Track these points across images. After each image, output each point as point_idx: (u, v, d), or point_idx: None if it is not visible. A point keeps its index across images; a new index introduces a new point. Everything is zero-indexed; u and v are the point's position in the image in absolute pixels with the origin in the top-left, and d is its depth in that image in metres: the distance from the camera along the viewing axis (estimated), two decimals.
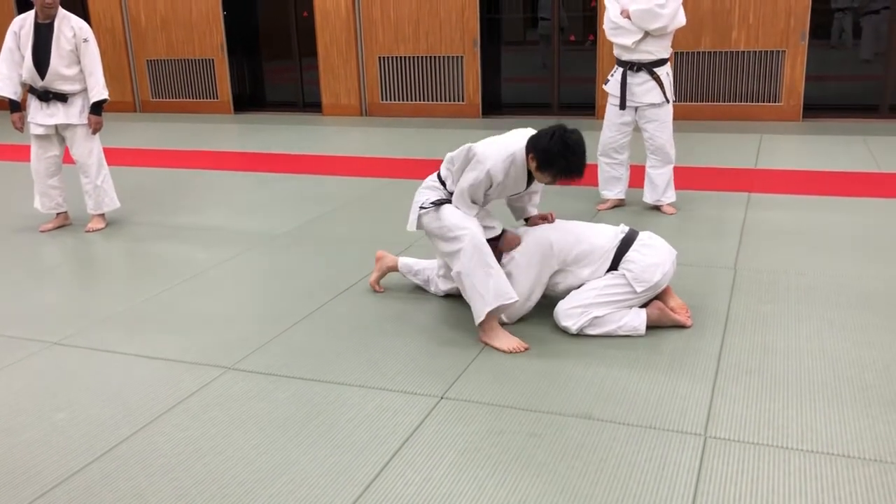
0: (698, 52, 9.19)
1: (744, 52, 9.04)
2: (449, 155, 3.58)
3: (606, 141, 5.47)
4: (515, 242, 3.59)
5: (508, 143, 3.43)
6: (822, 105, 9.14)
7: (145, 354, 3.44)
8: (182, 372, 3.26)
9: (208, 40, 11.29)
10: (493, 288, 3.34)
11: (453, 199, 3.51)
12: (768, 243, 4.68)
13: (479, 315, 3.37)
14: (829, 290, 3.90)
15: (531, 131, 3.45)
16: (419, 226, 3.60)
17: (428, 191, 3.62)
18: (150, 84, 11.81)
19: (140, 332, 3.71)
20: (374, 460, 2.57)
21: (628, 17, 5.13)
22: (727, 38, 9.04)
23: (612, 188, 5.55)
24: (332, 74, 10.72)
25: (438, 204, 3.52)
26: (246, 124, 10.52)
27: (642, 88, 5.26)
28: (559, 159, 3.27)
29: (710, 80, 9.25)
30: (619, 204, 5.61)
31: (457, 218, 3.45)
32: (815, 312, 3.64)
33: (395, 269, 4.04)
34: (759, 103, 9.14)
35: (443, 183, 3.60)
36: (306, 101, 11.41)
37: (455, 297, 3.90)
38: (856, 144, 7.55)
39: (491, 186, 3.43)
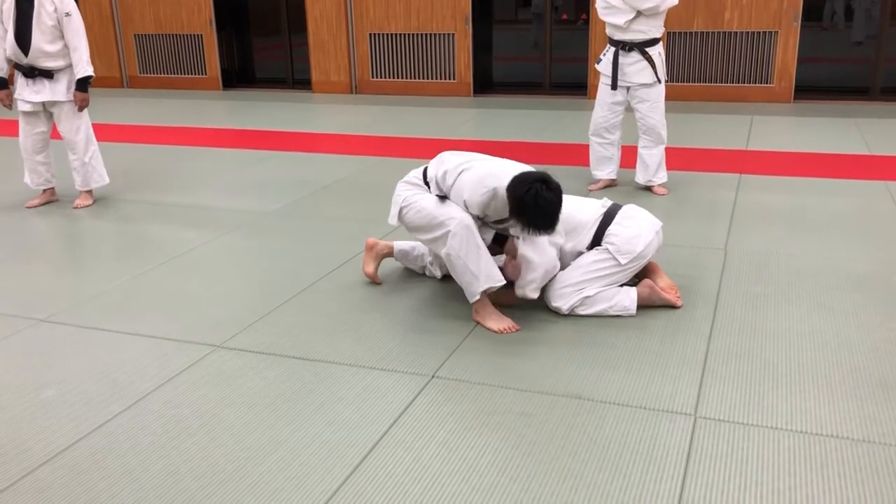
0: (691, 33, 9.16)
1: (736, 32, 9.01)
2: (446, 163, 3.44)
3: (598, 121, 5.45)
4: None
5: (494, 176, 3.25)
6: (813, 87, 9.14)
7: (134, 332, 3.42)
8: (171, 350, 3.24)
9: (197, 15, 11.16)
10: (485, 269, 3.33)
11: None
12: (759, 225, 4.69)
13: (474, 294, 3.36)
14: (820, 272, 3.91)
15: (522, 168, 3.30)
16: (400, 219, 3.55)
17: (410, 186, 3.55)
18: (137, 59, 11.68)
19: (128, 309, 3.68)
20: (364, 439, 2.57)
21: None
22: (720, 19, 9.01)
23: (604, 168, 5.54)
24: (321, 51, 10.63)
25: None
26: (234, 101, 10.42)
27: (634, 68, 5.24)
28: (526, 212, 3.11)
29: (703, 61, 9.22)
30: (611, 184, 5.60)
31: (443, 207, 3.39)
32: (806, 294, 3.65)
33: (389, 255, 3.96)
34: (751, 84, 9.13)
35: (426, 182, 3.51)
36: (296, 78, 11.32)
37: (447, 279, 3.88)
38: (847, 126, 7.55)
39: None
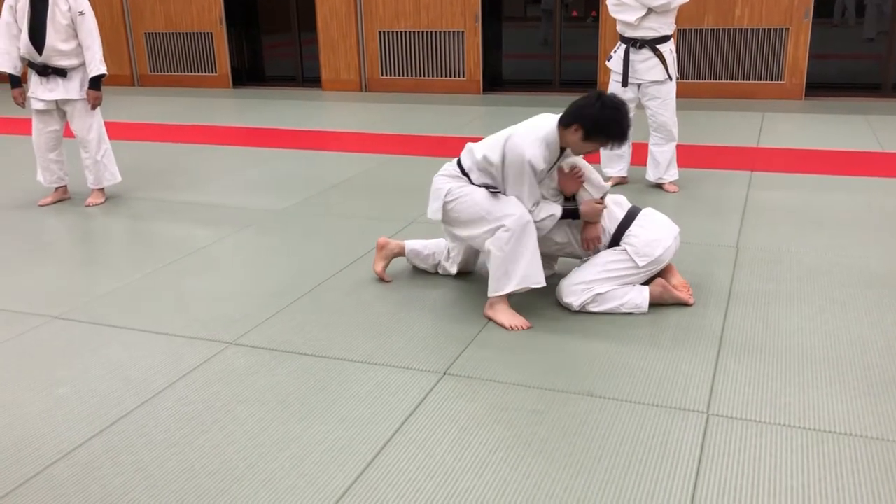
0: (701, 30, 9.12)
1: (747, 29, 8.97)
2: (479, 149, 3.45)
3: None
4: (595, 213, 3.53)
5: (536, 128, 3.35)
6: (824, 83, 9.09)
7: (147, 329, 3.43)
8: (183, 347, 3.25)
9: (207, 13, 11.19)
10: (523, 270, 3.32)
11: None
12: (770, 222, 4.67)
13: (497, 291, 3.36)
14: (832, 269, 3.89)
15: (549, 115, 3.41)
16: (444, 212, 3.51)
17: (450, 179, 3.52)
18: (148, 58, 11.72)
19: (141, 307, 3.70)
20: (376, 436, 2.57)
21: None
22: (730, 16, 8.97)
23: (615, 165, 5.53)
24: (331, 49, 10.64)
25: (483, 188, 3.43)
26: (244, 99, 10.45)
27: (645, 65, 5.23)
28: (613, 125, 3.27)
29: (714, 58, 9.19)
30: (622, 181, 5.59)
31: (499, 203, 3.37)
32: (818, 291, 3.64)
33: (400, 254, 3.94)
34: (762, 81, 9.09)
35: (465, 174, 3.49)
36: (305, 76, 11.33)
37: (460, 276, 3.88)
38: (858, 123, 7.51)
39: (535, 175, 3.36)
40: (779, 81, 9.04)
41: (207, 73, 11.47)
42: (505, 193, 3.40)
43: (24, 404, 2.85)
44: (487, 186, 3.42)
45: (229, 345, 3.26)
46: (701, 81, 9.25)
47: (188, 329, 3.42)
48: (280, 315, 3.54)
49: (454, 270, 3.87)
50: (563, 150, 3.42)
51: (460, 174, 3.51)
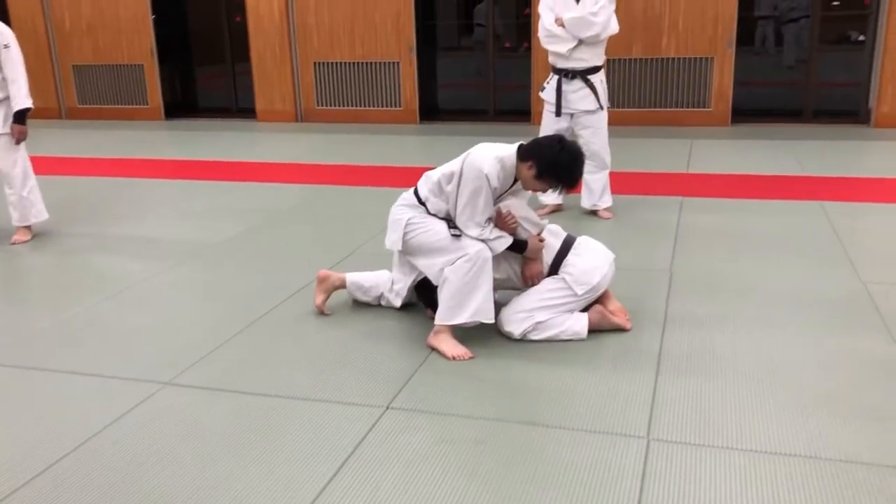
0: (630, 59, 9.38)
1: (674, 58, 9.25)
2: (436, 172, 3.50)
3: None
4: (537, 250, 3.56)
5: (496, 148, 3.42)
6: (749, 110, 9.42)
7: (79, 371, 3.33)
8: (118, 388, 3.16)
9: (137, 45, 11.03)
10: (477, 304, 3.35)
11: (459, 225, 3.43)
12: (702, 246, 4.80)
13: (447, 320, 3.37)
14: (762, 291, 4.01)
15: (509, 144, 3.46)
16: (404, 244, 3.53)
17: (408, 208, 3.55)
18: (76, 90, 11.47)
19: (72, 347, 3.58)
20: (320, 473, 2.54)
21: (562, 26, 5.21)
22: (657, 45, 9.25)
23: (550, 193, 5.58)
24: (266, 80, 10.58)
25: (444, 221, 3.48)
26: (178, 131, 10.30)
27: (577, 95, 5.34)
28: (566, 171, 3.36)
29: (642, 87, 9.44)
30: (557, 209, 5.67)
31: (463, 238, 3.41)
32: (750, 312, 3.74)
33: (342, 287, 3.91)
34: (690, 109, 9.37)
35: (422, 202, 3.53)
36: (240, 107, 11.23)
37: (402, 307, 3.86)
38: (782, 149, 7.80)
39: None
40: (706, 109, 9.33)
41: (139, 106, 11.27)
42: (457, 212, 3.41)
43: None
44: (444, 219, 3.46)
45: (166, 385, 3.18)
46: (631, 109, 9.48)
47: (122, 369, 3.32)
48: (218, 352, 3.47)
49: (398, 303, 3.85)
50: (516, 180, 3.46)
51: (417, 203, 3.54)
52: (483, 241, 3.41)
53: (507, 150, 3.41)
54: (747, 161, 7.37)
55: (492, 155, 3.37)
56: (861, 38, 9.28)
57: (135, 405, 3.01)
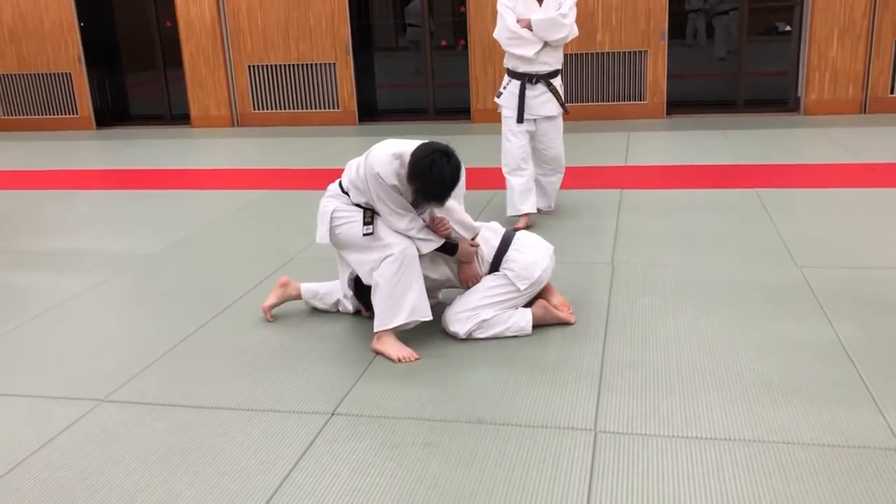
0: (566, 55, 9.42)
1: (609, 53, 9.35)
2: (354, 164, 3.43)
3: (515, 153, 5.11)
4: (469, 254, 3.51)
5: (396, 145, 3.31)
6: (683, 101, 9.58)
7: (7, 392, 3.19)
8: (49, 408, 3.04)
9: (64, 52, 10.70)
10: (411, 304, 3.30)
11: (384, 217, 3.34)
12: (642, 237, 4.84)
13: (385, 325, 3.31)
14: (702, 280, 4.06)
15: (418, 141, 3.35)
16: (331, 235, 3.43)
17: (334, 199, 3.46)
18: (0, 101, 11.08)
19: (0, 368, 3.43)
20: (263, 486, 2.47)
21: (528, 27, 4.91)
22: (592, 41, 9.34)
23: (528, 200, 5.16)
24: (199, 85, 10.37)
25: (368, 213, 3.35)
26: (110, 140, 10.03)
27: (538, 101, 5.08)
28: (421, 178, 3.17)
29: (579, 82, 9.52)
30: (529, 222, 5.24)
31: (387, 231, 3.33)
32: (690, 302, 3.79)
33: (297, 297, 3.83)
34: (626, 102, 9.49)
35: (345, 193, 3.45)
36: (174, 114, 10.99)
37: (349, 313, 3.81)
38: (716, 139, 7.94)
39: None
40: (641, 102, 9.46)
41: (68, 115, 10.94)
42: (376, 207, 3.34)
43: None
44: (365, 208, 3.38)
45: (101, 402, 3.07)
46: (569, 104, 9.52)
47: (54, 388, 3.20)
48: (155, 366, 3.37)
49: (352, 308, 3.79)
50: None
51: (341, 192, 3.47)
52: (410, 237, 3.35)
53: (408, 148, 3.26)
54: (683, 152, 7.49)
55: (388, 152, 3.27)
56: (788, 28, 9.53)
57: (69, 424, 2.90)
